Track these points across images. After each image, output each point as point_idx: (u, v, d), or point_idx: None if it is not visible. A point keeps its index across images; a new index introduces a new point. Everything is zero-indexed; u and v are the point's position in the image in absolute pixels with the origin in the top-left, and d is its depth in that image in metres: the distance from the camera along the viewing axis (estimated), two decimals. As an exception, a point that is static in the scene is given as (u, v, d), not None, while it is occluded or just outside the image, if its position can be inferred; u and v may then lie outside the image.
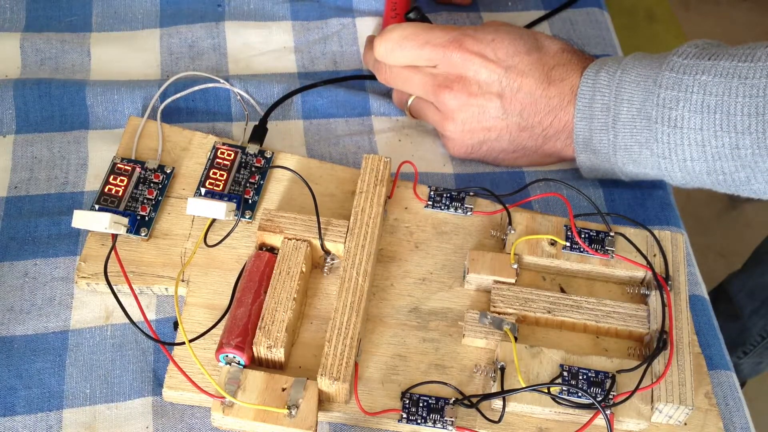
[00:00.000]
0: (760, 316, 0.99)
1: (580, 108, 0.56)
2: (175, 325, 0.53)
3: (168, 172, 0.57)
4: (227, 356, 0.49)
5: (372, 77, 0.64)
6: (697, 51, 0.53)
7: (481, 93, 0.57)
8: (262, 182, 0.57)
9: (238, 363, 0.49)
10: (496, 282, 0.53)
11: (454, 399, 0.49)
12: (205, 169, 0.57)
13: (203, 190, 0.56)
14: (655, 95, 0.52)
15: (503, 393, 0.48)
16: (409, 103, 0.62)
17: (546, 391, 0.48)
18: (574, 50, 0.59)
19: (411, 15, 0.63)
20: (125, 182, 0.56)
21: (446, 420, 0.49)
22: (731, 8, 1.81)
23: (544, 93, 0.56)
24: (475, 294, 0.54)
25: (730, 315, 1.02)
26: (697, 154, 0.52)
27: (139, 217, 0.55)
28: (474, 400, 0.49)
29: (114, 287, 0.51)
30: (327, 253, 0.54)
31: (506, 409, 0.48)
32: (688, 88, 0.51)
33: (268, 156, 0.59)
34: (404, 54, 0.58)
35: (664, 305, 0.51)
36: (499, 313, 0.52)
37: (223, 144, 0.58)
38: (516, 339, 0.51)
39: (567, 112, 0.57)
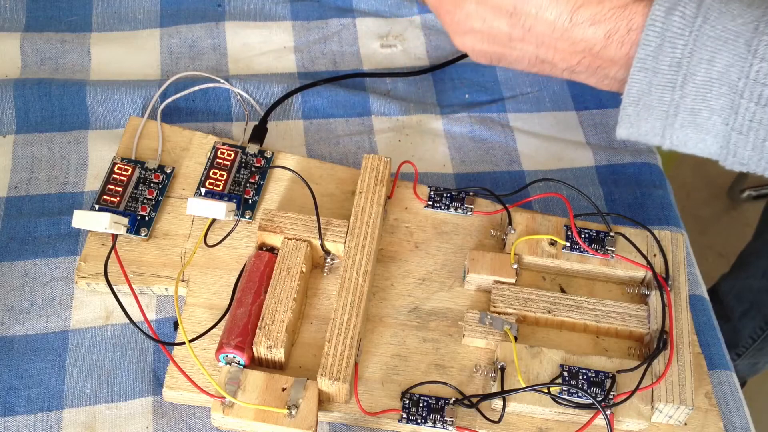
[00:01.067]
0: (749, 318, 0.98)
1: (641, 57, 0.44)
2: (175, 325, 0.53)
3: (168, 172, 0.57)
4: (227, 356, 0.49)
5: (372, 76, 0.64)
6: None
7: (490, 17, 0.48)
8: (262, 182, 0.57)
9: (238, 363, 0.49)
10: (496, 282, 0.53)
11: (454, 399, 0.49)
12: (205, 169, 0.57)
13: (203, 190, 0.56)
14: (747, 64, 0.42)
15: (503, 393, 0.48)
16: None
17: (546, 391, 0.48)
18: None
19: None
20: (125, 182, 0.56)
21: (446, 420, 0.49)
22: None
23: (566, 33, 0.47)
24: (475, 294, 0.54)
25: (722, 317, 1.01)
26: None
27: (139, 217, 0.55)
28: (474, 400, 0.49)
29: (114, 287, 0.51)
30: (327, 253, 0.54)
31: (506, 409, 0.48)
32: None
33: (268, 156, 0.59)
34: None
35: (664, 305, 0.51)
36: (499, 313, 0.52)
37: (223, 144, 0.58)
38: (516, 339, 0.51)
39: (611, 52, 0.46)
